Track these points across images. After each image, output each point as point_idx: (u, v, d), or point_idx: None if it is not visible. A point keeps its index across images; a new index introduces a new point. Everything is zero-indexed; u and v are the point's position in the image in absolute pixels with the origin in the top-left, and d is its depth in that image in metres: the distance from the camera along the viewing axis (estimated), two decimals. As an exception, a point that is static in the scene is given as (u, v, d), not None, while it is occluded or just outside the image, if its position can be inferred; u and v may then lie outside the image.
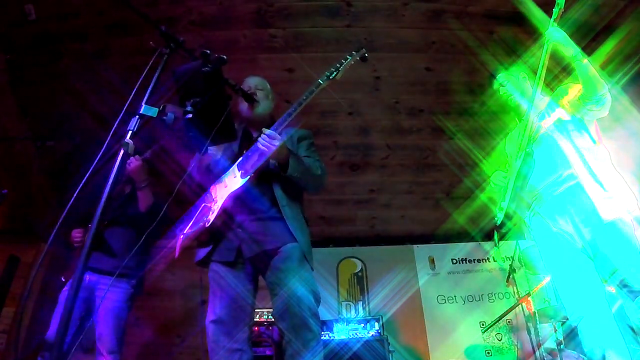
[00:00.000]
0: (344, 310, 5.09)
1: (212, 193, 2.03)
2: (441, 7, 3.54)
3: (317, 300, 1.98)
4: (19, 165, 4.08)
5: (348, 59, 2.08)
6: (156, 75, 1.47)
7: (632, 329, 1.91)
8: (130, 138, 1.36)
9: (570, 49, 2.02)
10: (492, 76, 2.40)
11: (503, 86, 2.34)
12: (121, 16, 3.41)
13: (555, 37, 2.03)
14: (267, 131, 1.91)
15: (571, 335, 3.34)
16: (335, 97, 3.99)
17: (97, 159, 1.43)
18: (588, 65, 1.99)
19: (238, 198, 1.98)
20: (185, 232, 2.00)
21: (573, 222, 2.01)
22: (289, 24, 3.59)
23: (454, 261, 5.39)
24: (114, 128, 1.40)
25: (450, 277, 5.29)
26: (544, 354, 3.46)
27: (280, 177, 2.03)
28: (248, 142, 2.05)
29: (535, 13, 2.61)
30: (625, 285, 1.83)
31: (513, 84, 2.33)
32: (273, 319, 2.19)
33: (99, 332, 2.51)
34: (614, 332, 1.87)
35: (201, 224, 1.97)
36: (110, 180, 1.30)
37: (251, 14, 3.53)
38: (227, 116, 1.65)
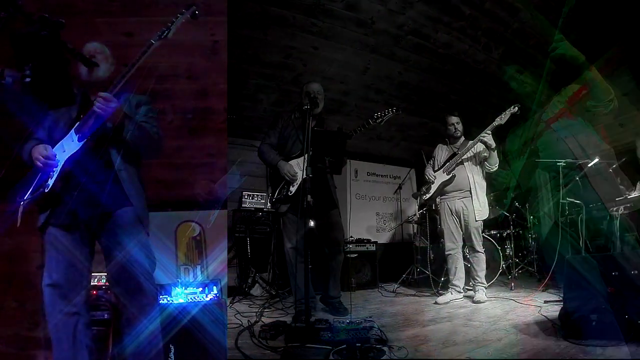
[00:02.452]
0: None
1: (52, 158, 2.02)
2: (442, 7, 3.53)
3: (153, 265, 2.01)
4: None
5: (179, 17, 2.06)
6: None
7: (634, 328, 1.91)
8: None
9: (576, 59, 2.02)
10: (500, 70, 2.42)
11: (511, 79, 2.34)
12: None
13: (559, 51, 2.03)
14: (103, 94, 1.92)
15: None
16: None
17: None
18: (595, 74, 1.99)
19: (76, 162, 1.99)
20: (25, 198, 1.99)
21: (579, 217, 2.00)
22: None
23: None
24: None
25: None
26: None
27: (117, 141, 2.03)
28: (87, 106, 2.04)
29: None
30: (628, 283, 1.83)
31: (520, 78, 2.32)
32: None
33: None
34: (614, 330, 1.87)
35: (41, 189, 1.98)
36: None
37: None
38: (65, 80, 1.65)
